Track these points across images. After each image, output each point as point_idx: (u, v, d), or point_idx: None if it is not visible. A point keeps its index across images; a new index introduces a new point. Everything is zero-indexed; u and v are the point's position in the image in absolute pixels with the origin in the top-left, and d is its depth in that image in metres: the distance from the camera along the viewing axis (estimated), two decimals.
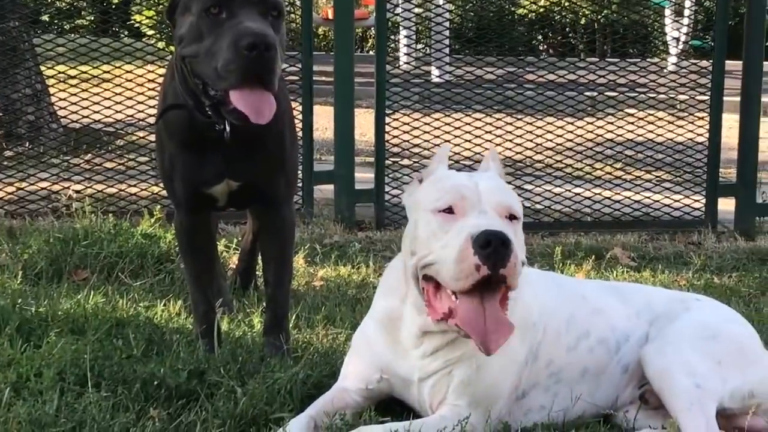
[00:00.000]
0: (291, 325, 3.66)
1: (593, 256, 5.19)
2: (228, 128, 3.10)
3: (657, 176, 6.89)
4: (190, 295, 3.50)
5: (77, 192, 5.77)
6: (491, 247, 2.57)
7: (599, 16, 15.96)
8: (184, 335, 3.49)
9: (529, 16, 16.47)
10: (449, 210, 2.73)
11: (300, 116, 5.75)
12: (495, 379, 2.94)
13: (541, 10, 16.61)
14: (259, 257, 4.01)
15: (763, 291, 4.80)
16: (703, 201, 6.08)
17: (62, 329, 3.44)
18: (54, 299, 3.88)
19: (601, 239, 5.69)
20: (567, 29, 17.79)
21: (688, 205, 6.19)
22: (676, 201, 6.22)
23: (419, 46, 13.07)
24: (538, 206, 6.27)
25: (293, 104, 5.56)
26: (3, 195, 5.88)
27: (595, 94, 7.42)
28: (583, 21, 17.24)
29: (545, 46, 17.55)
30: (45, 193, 5.88)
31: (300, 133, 5.64)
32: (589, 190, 6.43)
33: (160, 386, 2.97)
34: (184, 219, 3.40)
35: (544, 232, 5.84)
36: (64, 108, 6.32)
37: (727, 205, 6.10)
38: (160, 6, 9.10)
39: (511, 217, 2.78)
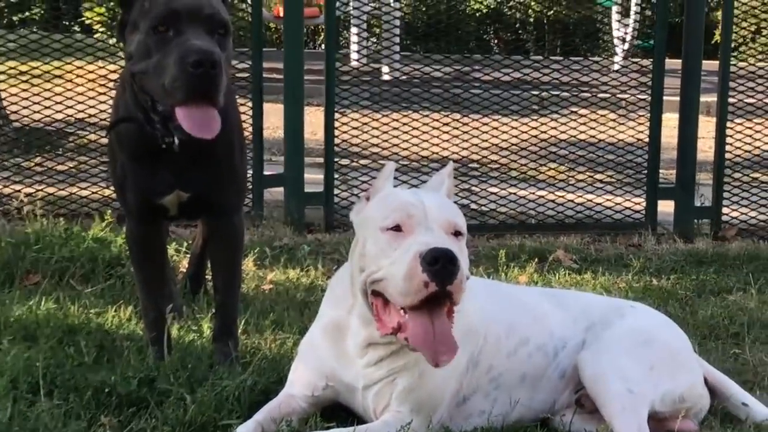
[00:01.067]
0: (240, 331, 3.75)
1: (536, 259, 5.33)
2: (177, 142, 3.18)
3: (600, 179, 7.04)
4: (140, 302, 3.58)
5: (28, 195, 5.79)
6: (439, 264, 2.68)
7: (548, 13, 16.16)
8: (135, 342, 3.56)
9: (480, 12, 16.60)
10: (397, 228, 2.83)
11: (250, 119, 5.85)
12: (436, 386, 3.05)
13: (492, 6, 16.77)
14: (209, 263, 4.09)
15: (699, 293, 4.96)
16: (644, 203, 6.23)
17: (15, 336, 3.50)
18: (6, 305, 3.93)
19: (545, 241, 5.83)
20: (517, 26, 17.96)
21: (629, 208, 6.36)
22: (617, 204, 6.38)
23: (370, 43, 13.13)
24: (484, 208, 6.39)
25: (243, 103, 5.71)
26: None
27: (542, 92, 7.59)
28: (532, 18, 17.42)
29: (496, 42, 17.68)
30: None
31: (249, 136, 5.75)
32: (533, 193, 6.58)
33: (110, 394, 3.05)
34: (135, 228, 3.47)
35: (490, 234, 5.96)
36: (15, 104, 6.31)
37: (668, 207, 6.26)
38: (111, 3, 9.14)
39: (457, 234, 2.89)
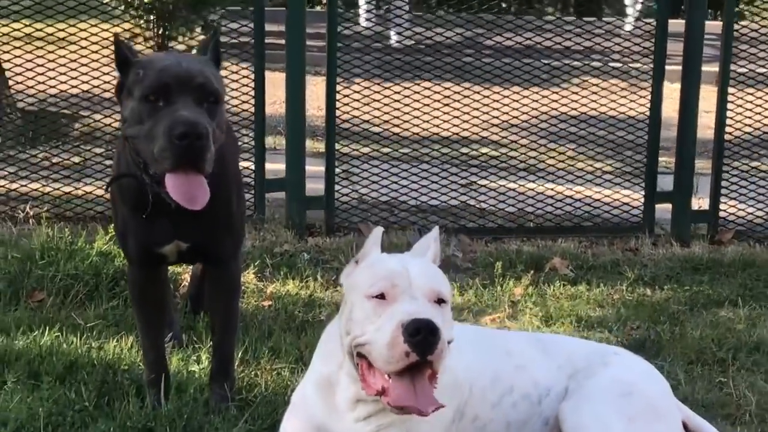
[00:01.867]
0: (238, 360, 3.88)
1: (533, 269, 5.42)
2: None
3: (600, 167, 7.11)
4: (140, 342, 3.70)
5: (36, 198, 5.90)
6: (420, 336, 2.77)
7: None
8: (135, 381, 3.67)
9: None
10: (381, 296, 2.92)
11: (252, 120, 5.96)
12: None
13: None
14: None
15: (691, 306, 5.05)
16: (642, 205, 6.30)
17: (19, 376, 3.63)
18: (11, 336, 4.06)
19: (543, 245, 5.90)
20: None
21: (627, 204, 6.42)
22: (616, 200, 6.45)
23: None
24: (483, 205, 6.47)
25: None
26: None
27: (553, 61, 7.59)
28: None
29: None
30: (3, 198, 6.00)
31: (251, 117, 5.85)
32: (533, 189, 6.64)
33: None
34: (137, 273, 3.59)
35: (488, 238, 6.04)
36: (20, 74, 6.26)
37: (666, 206, 6.32)
38: None
39: (440, 301, 2.98)
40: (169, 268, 4.21)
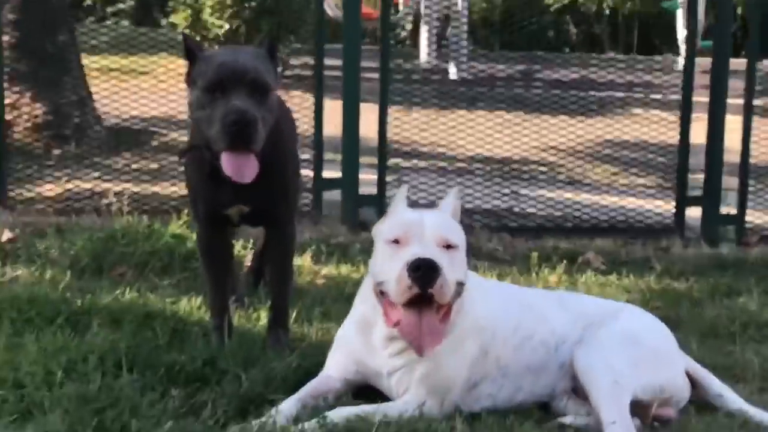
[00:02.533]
0: (292, 320, 4.39)
1: (567, 260, 5.86)
2: None
3: (641, 182, 7.53)
4: (207, 295, 4.24)
5: (117, 194, 6.52)
6: (420, 271, 3.30)
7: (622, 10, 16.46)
8: (202, 328, 4.21)
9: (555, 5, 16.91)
10: (396, 241, 3.45)
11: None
12: (450, 374, 3.64)
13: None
14: None
15: (711, 295, 5.44)
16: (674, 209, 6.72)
17: (102, 321, 4.18)
18: (96, 293, 4.62)
19: (579, 243, 6.35)
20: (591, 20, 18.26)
21: (659, 213, 6.85)
22: (648, 209, 6.88)
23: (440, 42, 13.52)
24: (526, 210, 6.94)
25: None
26: (52, 194, 6.65)
27: (604, 95, 8.11)
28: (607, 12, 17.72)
29: (573, 35, 18.00)
30: (89, 193, 6.64)
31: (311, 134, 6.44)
32: (575, 196, 7.09)
33: (180, 371, 3.68)
34: (204, 233, 4.16)
35: (528, 236, 6.50)
36: (103, 104, 7.06)
37: (697, 212, 6.73)
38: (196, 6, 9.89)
39: (449, 247, 3.49)
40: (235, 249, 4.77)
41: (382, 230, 3.56)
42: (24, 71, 7.24)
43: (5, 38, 6.68)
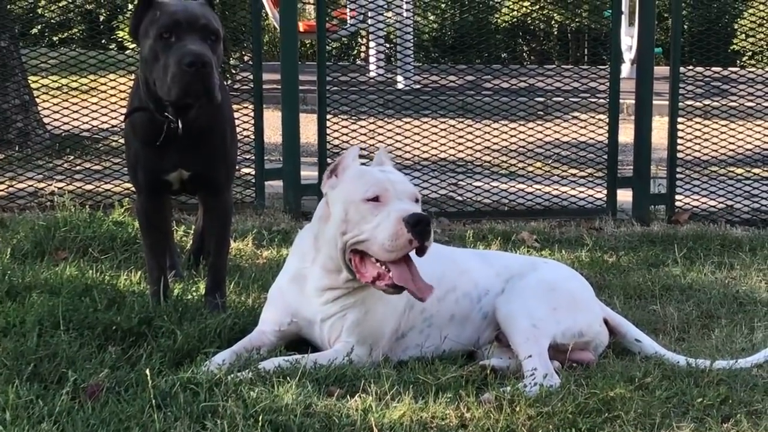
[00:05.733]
0: (231, 291, 4.52)
1: (502, 238, 6.05)
2: (180, 125, 3.97)
3: (574, 173, 7.76)
4: (146, 263, 4.37)
5: (59, 188, 6.63)
6: (420, 226, 3.50)
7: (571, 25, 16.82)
8: (140, 297, 4.32)
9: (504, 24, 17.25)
10: (376, 198, 3.61)
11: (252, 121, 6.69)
12: (379, 323, 3.80)
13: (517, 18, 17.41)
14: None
15: (640, 265, 5.64)
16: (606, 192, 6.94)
17: (42, 291, 4.28)
18: (36, 271, 4.72)
19: (515, 225, 6.54)
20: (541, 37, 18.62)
21: (592, 196, 7.08)
22: (581, 192, 7.11)
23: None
24: (464, 197, 7.13)
25: (248, 110, 6.55)
26: None
27: (546, 100, 8.37)
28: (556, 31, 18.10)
29: (527, 52, 18.32)
30: (32, 189, 6.74)
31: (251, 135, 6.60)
32: (513, 186, 7.30)
33: (116, 330, 3.81)
34: (144, 200, 4.30)
35: (466, 220, 6.69)
36: (49, 117, 7.23)
37: (628, 197, 6.96)
38: None
39: (416, 201, 3.70)
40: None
41: (353, 189, 3.66)
42: None
43: None
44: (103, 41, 11.83)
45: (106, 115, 7.12)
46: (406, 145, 7.40)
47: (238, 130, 6.58)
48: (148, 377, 3.26)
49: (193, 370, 3.49)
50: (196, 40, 3.77)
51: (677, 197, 7.01)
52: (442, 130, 7.69)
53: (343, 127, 7.14)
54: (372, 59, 12.73)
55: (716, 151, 7.48)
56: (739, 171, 7.72)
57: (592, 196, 7.11)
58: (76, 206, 5.80)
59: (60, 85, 7.33)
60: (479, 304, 4.05)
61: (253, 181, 6.75)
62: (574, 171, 7.71)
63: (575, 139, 7.65)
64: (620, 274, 5.40)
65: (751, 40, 10.67)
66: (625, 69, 13.20)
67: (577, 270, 5.30)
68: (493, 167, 7.76)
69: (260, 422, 3.05)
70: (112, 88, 7.37)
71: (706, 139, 7.37)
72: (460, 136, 7.67)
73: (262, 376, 3.49)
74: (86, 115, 7.08)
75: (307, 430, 3.08)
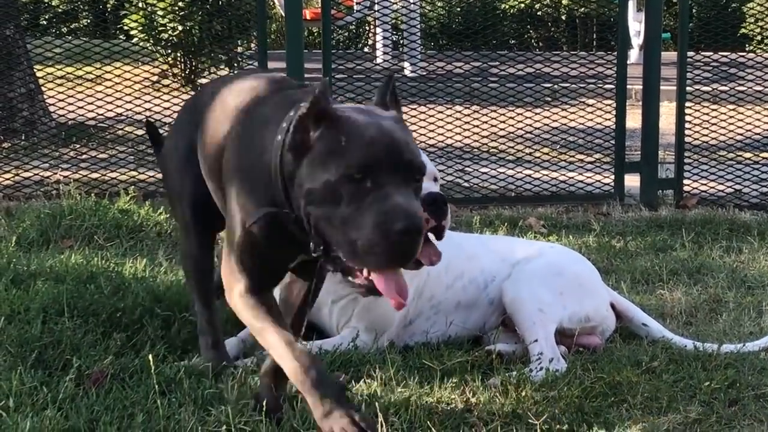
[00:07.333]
0: None
1: (509, 225, 6.02)
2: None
3: (583, 158, 7.74)
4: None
5: (65, 177, 6.63)
6: (436, 205, 3.31)
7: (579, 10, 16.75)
8: (146, 284, 4.30)
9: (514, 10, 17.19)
10: None
11: None
12: (389, 308, 3.77)
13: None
14: None
15: (648, 249, 5.62)
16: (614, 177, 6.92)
17: (47, 279, 4.27)
18: (42, 259, 4.71)
19: (523, 211, 6.52)
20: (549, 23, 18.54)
21: (599, 181, 7.05)
22: (588, 177, 7.08)
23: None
24: (471, 183, 7.11)
25: None
26: (1, 181, 6.73)
27: (554, 85, 8.34)
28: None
29: (534, 38, 18.23)
30: (38, 178, 6.73)
31: None
32: (521, 171, 7.27)
33: (121, 317, 3.81)
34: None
35: (474, 206, 6.66)
36: (55, 105, 7.24)
37: (636, 182, 6.93)
38: (149, 9, 10.02)
39: (434, 180, 3.72)
40: None
41: None
42: None
43: None
44: (113, 31, 11.81)
45: (111, 103, 7.11)
46: (414, 131, 7.36)
47: None
48: (151, 363, 3.25)
49: (198, 356, 3.49)
50: (400, 188, 2.64)
51: (685, 182, 6.98)
52: (449, 116, 7.65)
53: None
54: (379, 45, 12.72)
55: (724, 135, 7.44)
56: (748, 155, 7.66)
57: (599, 181, 7.08)
58: (82, 195, 5.80)
59: (65, 73, 7.30)
60: (486, 291, 4.03)
61: None
62: (581, 156, 7.69)
63: (583, 124, 7.64)
64: (628, 258, 5.37)
65: (760, 24, 10.62)
66: (633, 54, 13.12)
67: (584, 255, 5.31)
68: (501, 153, 7.74)
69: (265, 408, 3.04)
70: (117, 76, 7.37)
71: (714, 124, 7.33)
72: (468, 122, 7.67)
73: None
74: (92, 103, 7.07)
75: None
